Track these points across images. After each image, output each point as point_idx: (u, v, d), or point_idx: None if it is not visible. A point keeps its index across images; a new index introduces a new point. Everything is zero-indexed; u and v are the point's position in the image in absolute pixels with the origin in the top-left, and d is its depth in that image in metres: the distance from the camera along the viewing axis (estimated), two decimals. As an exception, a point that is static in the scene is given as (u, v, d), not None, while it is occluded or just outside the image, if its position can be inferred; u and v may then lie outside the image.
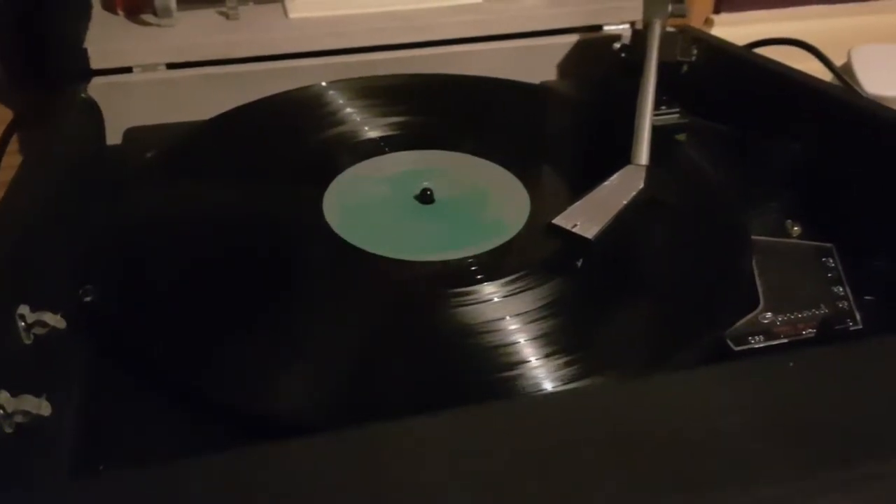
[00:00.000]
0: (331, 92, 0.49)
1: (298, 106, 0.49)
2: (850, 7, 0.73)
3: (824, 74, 0.55)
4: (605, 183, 0.39)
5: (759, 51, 0.54)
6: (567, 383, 0.30)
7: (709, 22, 0.71)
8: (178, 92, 0.53)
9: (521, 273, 0.35)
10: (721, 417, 0.23)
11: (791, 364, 0.24)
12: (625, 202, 0.38)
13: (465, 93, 0.52)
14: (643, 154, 0.40)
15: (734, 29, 0.69)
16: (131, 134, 0.49)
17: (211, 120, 0.47)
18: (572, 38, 0.59)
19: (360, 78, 0.51)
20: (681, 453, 0.22)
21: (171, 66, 0.54)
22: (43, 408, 0.26)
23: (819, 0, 0.73)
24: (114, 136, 0.50)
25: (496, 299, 0.34)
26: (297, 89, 0.49)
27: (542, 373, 0.30)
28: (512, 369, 0.30)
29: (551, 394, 0.29)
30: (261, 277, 0.35)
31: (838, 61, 0.61)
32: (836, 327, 0.33)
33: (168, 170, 0.43)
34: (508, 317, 0.33)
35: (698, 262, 0.36)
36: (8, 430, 0.25)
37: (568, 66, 0.60)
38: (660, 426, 0.23)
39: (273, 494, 0.20)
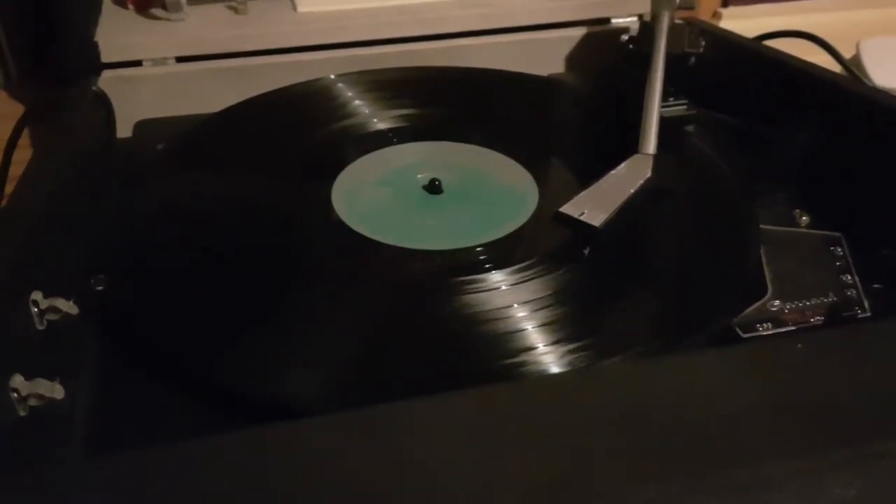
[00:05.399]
0: (339, 84, 0.49)
1: (307, 98, 0.49)
2: (859, 0, 0.73)
3: (833, 67, 0.54)
4: (613, 172, 0.39)
5: (768, 44, 0.54)
6: (575, 369, 0.30)
7: (717, 15, 0.71)
8: (188, 85, 0.53)
9: (529, 261, 0.35)
10: (728, 398, 0.23)
11: (799, 346, 0.24)
12: (632, 191, 0.38)
13: (474, 85, 0.52)
14: (651, 143, 0.41)
15: (742, 22, 0.69)
16: (141, 127, 0.50)
17: (220, 112, 0.47)
18: (580, 31, 0.60)
19: (369, 71, 0.51)
20: (688, 434, 0.22)
21: (180, 59, 0.54)
22: (56, 391, 0.26)
23: (827, -7, 0.73)
24: (124, 129, 0.50)
25: (504, 287, 0.34)
26: (306, 82, 0.50)
27: (549, 359, 0.30)
28: (519, 356, 0.31)
29: (560, 374, 0.29)
30: (271, 268, 0.36)
31: (848, 54, 0.61)
32: (844, 314, 0.33)
33: (178, 162, 0.43)
34: (516, 304, 0.33)
35: (706, 250, 0.36)
36: (22, 412, 0.25)
37: (575, 58, 0.60)
38: (667, 407, 0.23)
39: (285, 472, 0.21)
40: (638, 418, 0.22)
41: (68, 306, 0.30)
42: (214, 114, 0.47)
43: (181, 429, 0.29)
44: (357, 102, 0.48)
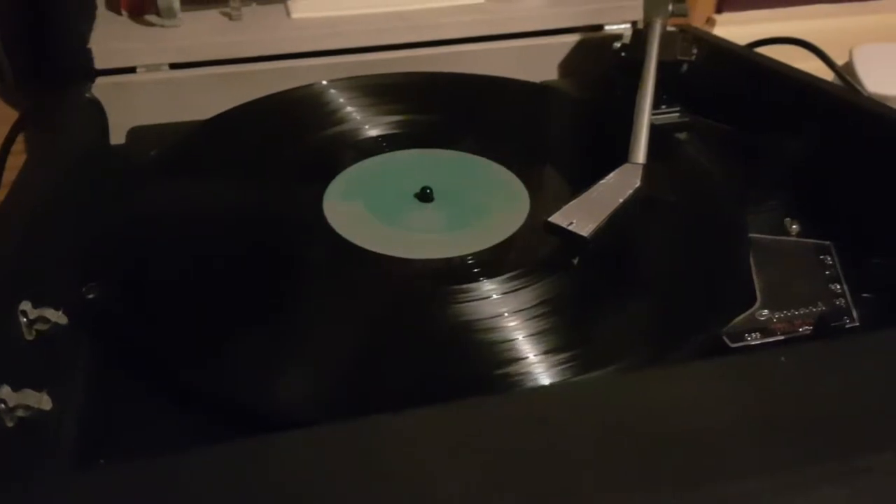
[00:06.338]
0: (331, 90, 0.50)
1: (299, 104, 0.49)
2: (853, 6, 0.73)
3: (826, 74, 0.55)
4: (602, 181, 0.39)
5: (761, 50, 0.54)
6: (564, 380, 0.30)
7: (711, 21, 0.71)
8: (182, 92, 0.53)
9: (519, 271, 0.35)
10: (714, 411, 0.23)
11: (782, 359, 0.24)
12: (621, 200, 0.38)
13: (465, 91, 0.52)
14: (640, 153, 0.41)
15: (736, 28, 0.69)
16: (135, 133, 0.50)
17: (212, 119, 0.47)
18: (574, 38, 0.60)
19: (361, 76, 0.51)
20: (672, 447, 0.22)
21: (174, 66, 0.54)
22: (44, 402, 0.26)
23: (821, -1, 0.73)
24: (118, 136, 0.51)
25: (495, 297, 0.34)
26: (298, 88, 0.50)
27: (539, 369, 0.30)
28: (509, 366, 0.31)
29: (545, 387, 0.29)
30: (262, 276, 0.36)
31: (841, 60, 0.61)
32: (833, 324, 0.33)
33: (169, 169, 0.43)
34: (507, 314, 0.33)
35: (695, 259, 0.37)
36: (9, 424, 0.25)
37: (569, 65, 0.60)
38: (651, 420, 0.23)
39: (272, 485, 0.21)
40: (624, 431, 0.22)
41: (57, 316, 0.30)
42: (205, 121, 0.47)
43: (173, 439, 0.29)
44: (349, 108, 0.48)
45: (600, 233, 0.37)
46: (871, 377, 0.25)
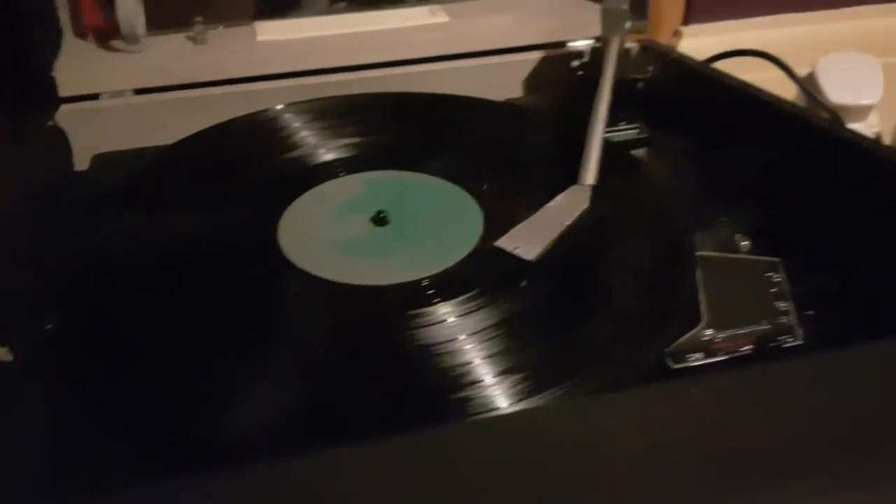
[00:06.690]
0: (286, 115, 0.50)
1: (257, 129, 0.49)
2: (819, 15, 0.74)
3: (790, 84, 0.55)
4: (550, 204, 0.40)
5: (725, 62, 0.55)
6: (518, 401, 0.30)
7: (678, 34, 0.72)
8: (146, 117, 0.54)
9: (472, 293, 0.35)
10: (633, 441, 0.23)
11: (692, 391, 0.24)
12: (568, 223, 0.38)
13: (420, 111, 0.52)
14: (590, 174, 0.41)
15: (703, 40, 0.70)
16: (99, 160, 0.50)
17: (170, 146, 0.48)
18: (537, 55, 0.60)
19: (315, 99, 0.51)
20: (595, 477, 0.22)
21: (139, 91, 0.54)
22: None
23: (787, 9, 0.73)
24: (82, 162, 0.51)
25: (450, 320, 0.34)
26: (253, 113, 0.50)
27: (490, 392, 0.31)
28: (462, 390, 0.31)
29: (470, 422, 0.29)
30: (219, 307, 0.36)
31: (808, 69, 0.61)
32: (771, 345, 0.33)
33: (126, 199, 0.43)
34: (462, 336, 0.33)
35: (641, 279, 0.37)
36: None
37: (533, 83, 0.60)
38: (570, 452, 0.23)
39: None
40: (546, 463, 0.23)
41: (3, 353, 0.30)
42: (164, 147, 0.48)
43: (131, 477, 0.29)
44: (304, 133, 0.48)
45: (547, 256, 0.37)
46: (793, 403, 0.25)
